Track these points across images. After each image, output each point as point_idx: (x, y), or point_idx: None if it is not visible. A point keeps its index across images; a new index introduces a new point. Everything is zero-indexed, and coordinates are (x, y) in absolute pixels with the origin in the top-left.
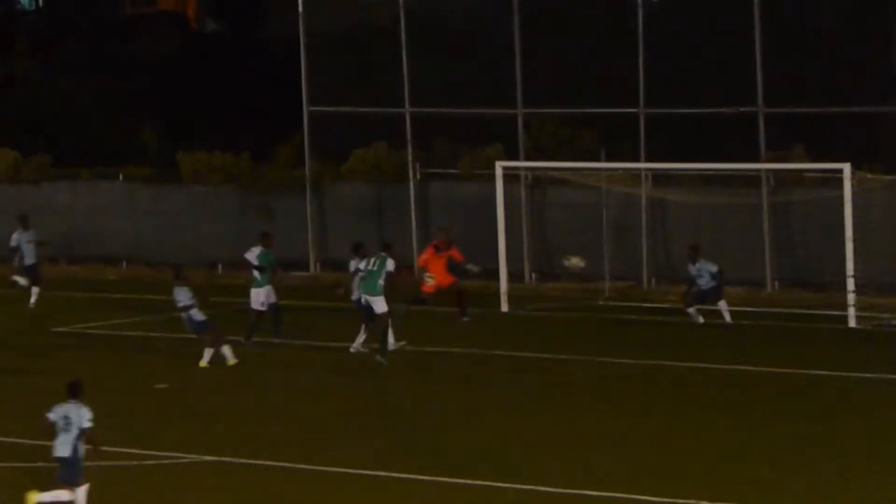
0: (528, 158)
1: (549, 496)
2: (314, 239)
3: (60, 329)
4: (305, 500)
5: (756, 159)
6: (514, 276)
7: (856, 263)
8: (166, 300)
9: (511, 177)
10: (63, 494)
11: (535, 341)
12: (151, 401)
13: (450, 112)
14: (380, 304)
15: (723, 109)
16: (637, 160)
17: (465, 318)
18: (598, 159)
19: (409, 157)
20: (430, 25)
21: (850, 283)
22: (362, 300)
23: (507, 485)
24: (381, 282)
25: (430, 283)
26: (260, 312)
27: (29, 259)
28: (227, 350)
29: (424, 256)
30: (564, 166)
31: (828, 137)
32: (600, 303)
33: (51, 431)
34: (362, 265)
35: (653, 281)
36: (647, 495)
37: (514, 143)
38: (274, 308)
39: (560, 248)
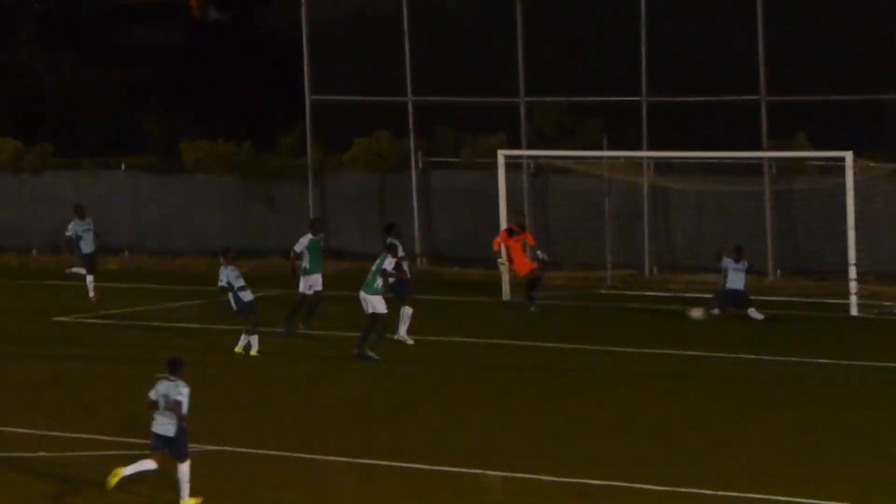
0: (530, 147)
1: (551, 485)
2: None
3: (62, 319)
4: (305, 488)
5: (758, 147)
6: None
7: (858, 251)
8: (168, 290)
9: (513, 165)
10: (147, 464)
11: (536, 330)
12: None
13: (452, 101)
14: (377, 304)
15: (725, 98)
16: (639, 149)
17: (532, 309)
18: (600, 148)
19: (412, 146)
20: (433, 14)
21: (852, 272)
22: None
23: (507, 473)
24: (378, 282)
25: (502, 269)
26: (304, 296)
27: (87, 248)
28: (255, 339)
29: (498, 240)
30: (567, 155)
31: (830, 125)
32: (602, 291)
33: (152, 411)
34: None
35: (655, 269)
36: (646, 483)
37: (516, 132)
38: (316, 298)
39: (562, 236)
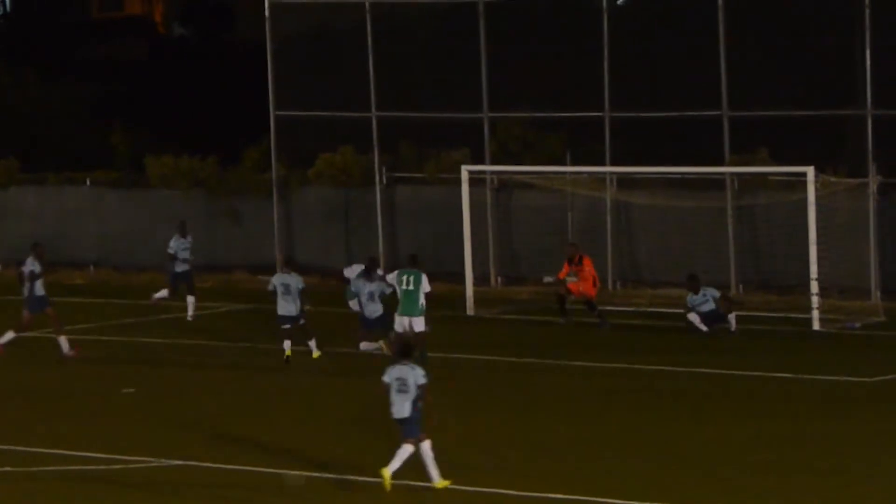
0: (494, 162)
1: (514, 499)
2: (281, 243)
3: (28, 334)
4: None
5: (720, 163)
6: (480, 279)
7: (819, 266)
8: (133, 304)
9: (477, 180)
10: (406, 450)
11: (499, 344)
12: (118, 406)
13: (416, 116)
14: (419, 324)
15: (687, 113)
16: (602, 164)
17: (562, 321)
18: (563, 163)
19: (376, 161)
20: (396, 30)
21: (814, 286)
22: (404, 323)
23: (471, 488)
24: (421, 302)
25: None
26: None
27: (181, 267)
28: (287, 344)
29: (563, 273)
30: (530, 170)
31: (792, 141)
32: (567, 306)
33: (386, 394)
34: (392, 281)
35: (618, 284)
36: (610, 497)
37: (480, 147)
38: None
39: (526, 251)
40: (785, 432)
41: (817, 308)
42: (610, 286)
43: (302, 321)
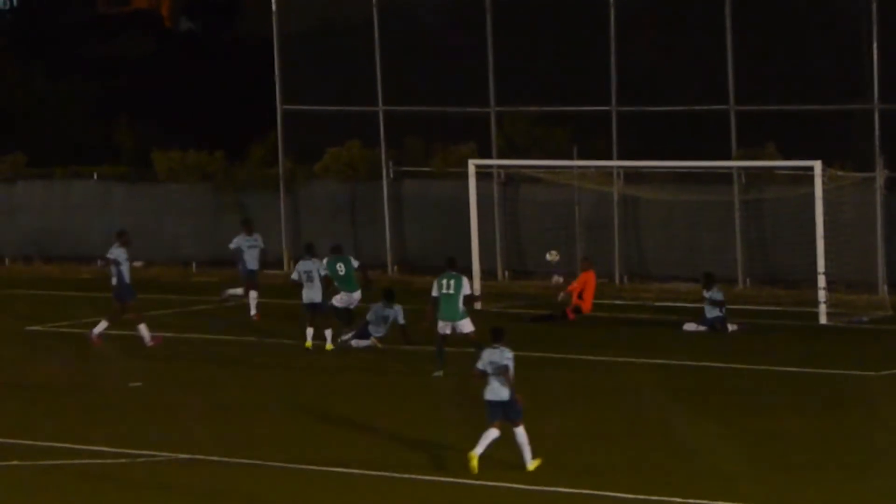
0: (500, 156)
1: (520, 493)
2: (288, 237)
3: (35, 328)
4: (278, 497)
5: (728, 157)
6: (487, 273)
7: (827, 260)
8: (140, 298)
9: (484, 175)
10: (491, 433)
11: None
12: (125, 399)
13: (423, 110)
14: (466, 326)
15: (694, 107)
16: (609, 158)
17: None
18: (570, 157)
19: (383, 156)
20: (403, 24)
21: (821, 280)
22: (447, 328)
23: (477, 482)
24: (462, 306)
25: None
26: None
27: (251, 264)
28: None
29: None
30: (537, 164)
31: (799, 135)
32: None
33: (480, 380)
34: (433, 290)
35: (625, 278)
36: (615, 491)
37: (487, 142)
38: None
39: (533, 245)
40: (791, 427)
41: (824, 302)
42: (617, 281)
43: (325, 309)
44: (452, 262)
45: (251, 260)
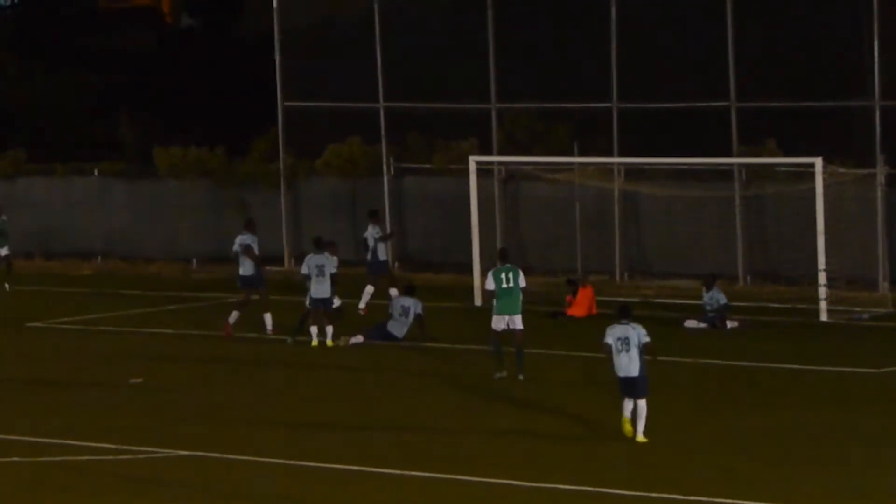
0: (501, 153)
1: (521, 489)
2: (288, 234)
3: (35, 324)
4: (278, 493)
5: (728, 153)
6: (488, 270)
7: (827, 257)
8: (141, 295)
9: (485, 171)
10: (629, 406)
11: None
12: (126, 396)
13: (424, 107)
14: (520, 321)
15: (695, 104)
16: (610, 155)
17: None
18: (571, 154)
19: (384, 152)
20: (404, 20)
21: (822, 277)
22: (503, 323)
23: (478, 478)
24: (521, 298)
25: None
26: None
27: (381, 255)
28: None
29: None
30: (538, 160)
31: (800, 132)
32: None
33: (608, 354)
34: (489, 284)
35: (626, 275)
36: (616, 488)
37: (487, 138)
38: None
39: (534, 242)
40: (791, 423)
41: (825, 299)
42: (618, 277)
43: (333, 305)
44: (505, 253)
45: (381, 251)
